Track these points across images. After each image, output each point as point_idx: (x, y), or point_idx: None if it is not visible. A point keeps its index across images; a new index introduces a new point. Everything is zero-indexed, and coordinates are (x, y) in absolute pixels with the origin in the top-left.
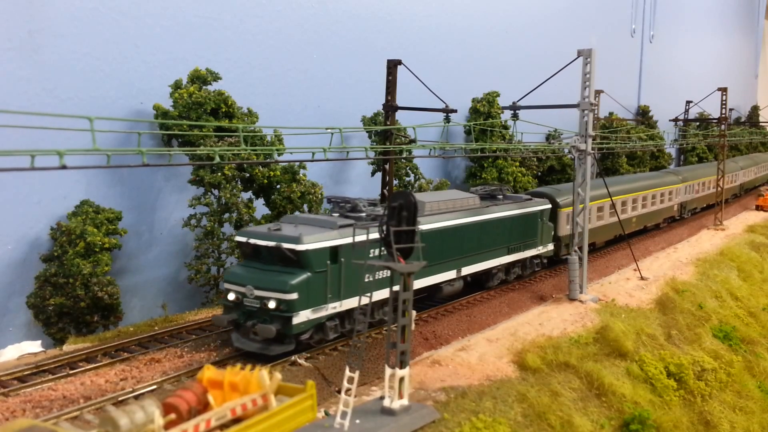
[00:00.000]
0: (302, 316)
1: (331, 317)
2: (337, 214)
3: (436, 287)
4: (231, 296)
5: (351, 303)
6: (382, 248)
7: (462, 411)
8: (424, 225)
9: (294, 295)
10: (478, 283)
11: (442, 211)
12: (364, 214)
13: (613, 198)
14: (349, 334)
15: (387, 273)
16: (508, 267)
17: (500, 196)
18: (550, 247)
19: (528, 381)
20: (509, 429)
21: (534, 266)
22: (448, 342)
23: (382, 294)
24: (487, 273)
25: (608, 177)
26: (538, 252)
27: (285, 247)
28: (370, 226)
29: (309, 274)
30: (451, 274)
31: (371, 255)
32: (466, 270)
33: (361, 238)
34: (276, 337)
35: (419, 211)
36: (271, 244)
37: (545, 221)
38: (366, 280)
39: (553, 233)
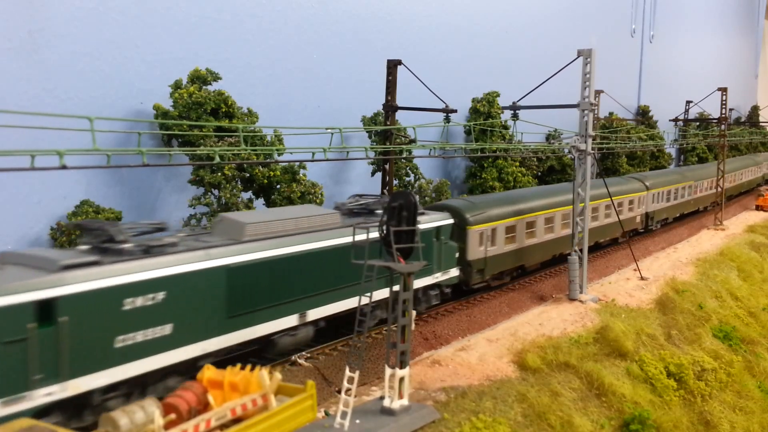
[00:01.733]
0: None
1: (47, 409)
2: (87, 246)
3: (266, 340)
4: None
5: (90, 382)
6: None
7: (462, 411)
8: (239, 256)
9: None
10: (345, 326)
11: (274, 235)
12: (125, 246)
13: (557, 210)
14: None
15: (168, 329)
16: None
17: (378, 210)
18: (455, 272)
19: (528, 381)
20: (509, 429)
21: (430, 298)
22: (448, 342)
23: (157, 362)
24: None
25: (555, 185)
26: (435, 280)
27: None
28: (371, 226)
29: None
30: (289, 321)
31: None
32: (316, 312)
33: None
34: None
35: (237, 235)
36: None
37: (444, 241)
38: (120, 344)
39: (457, 256)
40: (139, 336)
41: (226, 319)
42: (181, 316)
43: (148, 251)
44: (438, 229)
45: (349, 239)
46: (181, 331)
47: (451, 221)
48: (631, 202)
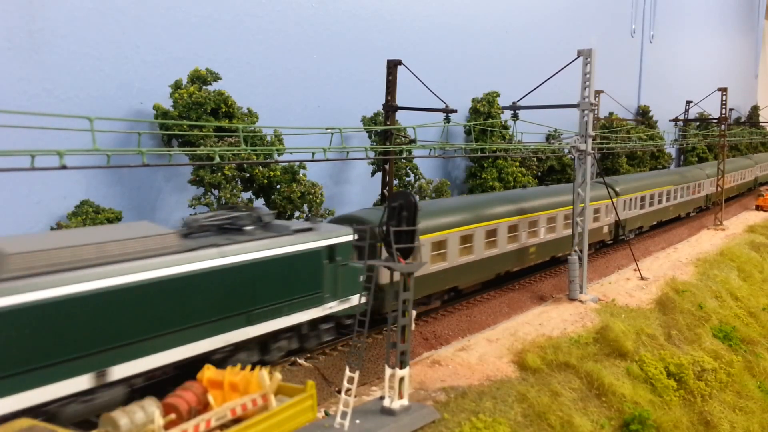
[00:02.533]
0: None
1: None
2: None
3: (39, 412)
4: None
5: None
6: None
7: (462, 411)
8: None
9: None
10: (179, 377)
11: (57, 268)
12: None
13: (502, 221)
14: None
15: None
16: (263, 342)
17: (248, 227)
18: (359, 300)
19: (528, 381)
20: (509, 429)
21: (321, 334)
22: (448, 342)
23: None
24: (199, 361)
25: (509, 191)
26: (327, 311)
27: None
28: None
29: None
30: (77, 383)
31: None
32: (126, 369)
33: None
34: None
35: None
36: None
37: (341, 262)
38: None
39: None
40: None
41: None
42: None
43: None
44: (331, 248)
45: (184, 269)
46: None
47: (351, 238)
48: (596, 210)
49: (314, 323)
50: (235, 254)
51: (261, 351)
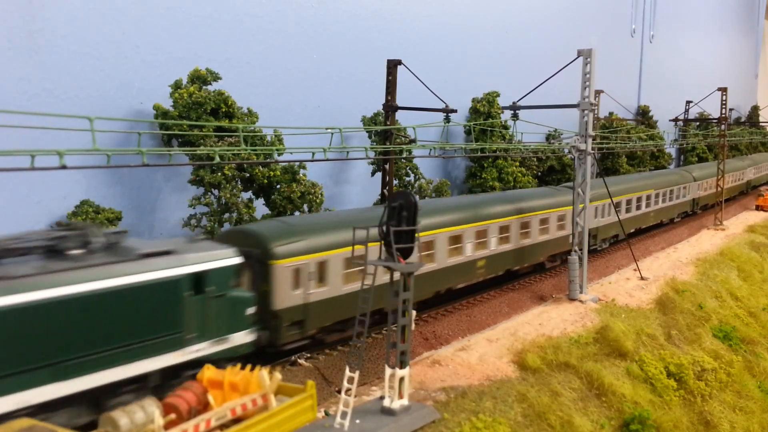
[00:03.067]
0: None
1: None
2: None
3: None
4: None
5: None
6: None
7: (462, 411)
8: None
9: None
10: None
11: None
12: None
13: (439, 231)
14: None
15: None
16: (94, 398)
17: (75, 251)
18: (243, 338)
19: (528, 381)
20: (509, 429)
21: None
22: (448, 342)
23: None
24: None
25: (459, 197)
26: (198, 353)
27: None
28: (370, 226)
29: None
30: None
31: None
32: None
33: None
34: None
35: None
36: None
37: (214, 293)
38: None
39: (252, 309)
40: None
41: None
42: None
43: None
44: (198, 276)
45: None
46: None
47: (231, 261)
48: (561, 218)
49: (176, 370)
50: (33, 289)
51: (94, 409)
